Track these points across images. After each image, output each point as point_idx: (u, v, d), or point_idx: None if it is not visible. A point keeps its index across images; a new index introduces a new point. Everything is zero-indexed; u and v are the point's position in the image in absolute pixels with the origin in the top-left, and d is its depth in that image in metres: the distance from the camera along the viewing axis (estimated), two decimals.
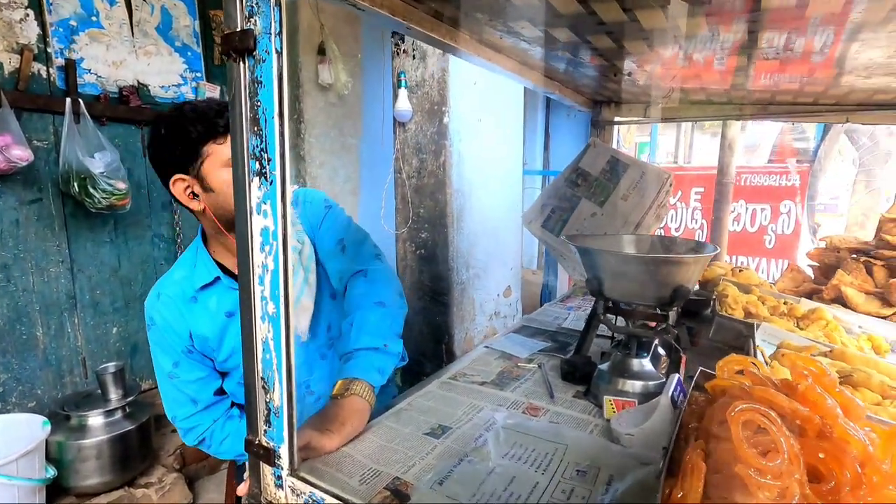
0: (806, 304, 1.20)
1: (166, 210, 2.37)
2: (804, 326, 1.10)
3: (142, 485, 2.03)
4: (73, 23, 1.99)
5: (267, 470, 0.73)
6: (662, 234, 3.32)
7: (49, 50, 1.93)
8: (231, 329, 1.12)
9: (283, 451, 0.71)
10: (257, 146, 0.64)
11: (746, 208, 3.11)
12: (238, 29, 0.63)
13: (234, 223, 1.04)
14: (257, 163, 0.65)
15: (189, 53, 2.40)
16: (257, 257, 0.68)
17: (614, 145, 2.24)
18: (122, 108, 2.14)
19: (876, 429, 0.55)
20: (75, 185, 1.87)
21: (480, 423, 0.92)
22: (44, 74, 1.93)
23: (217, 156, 1.02)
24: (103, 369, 1.94)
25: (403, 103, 2.42)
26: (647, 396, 0.96)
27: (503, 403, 1.03)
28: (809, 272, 1.69)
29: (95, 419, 1.88)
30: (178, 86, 2.37)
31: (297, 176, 2.76)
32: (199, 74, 2.45)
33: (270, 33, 0.61)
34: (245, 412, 1.15)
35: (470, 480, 0.67)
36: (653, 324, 1.09)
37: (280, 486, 0.73)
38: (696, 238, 3.36)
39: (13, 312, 1.91)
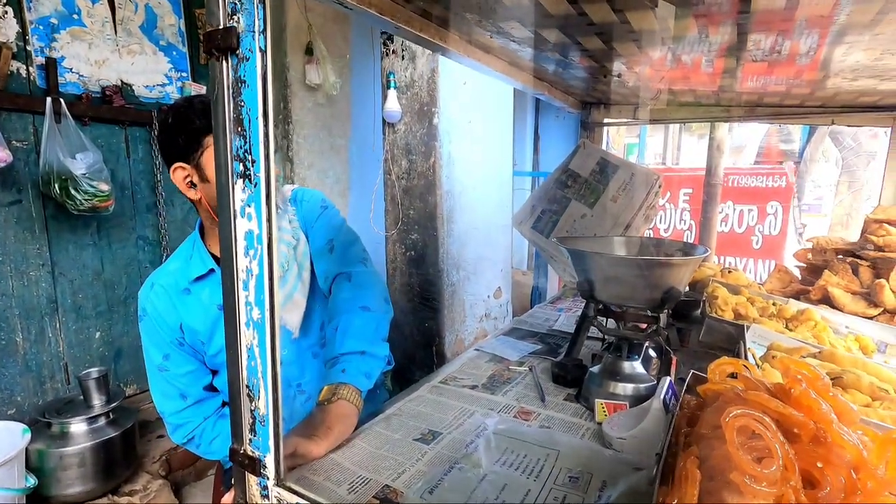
0: (795, 305, 1.21)
1: (151, 212, 2.33)
2: (793, 327, 1.10)
3: (126, 492, 1.99)
4: (53, 20, 1.95)
5: (252, 480, 0.71)
6: (652, 235, 3.34)
7: (29, 48, 1.88)
8: (222, 323, 1.10)
9: (269, 460, 0.69)
10: (241, 147, 0.63)
11: (734, 209, 3.14)
12: (220, 26, 0.61)
13: None
14: (241, 164, 0.63)
15: (174, 53, 2.37)
16: (241, 261, 0.66)
17: (604, 146, 2.25)
18: (105, 108, 2.09)
19: (868, 432, 0.54)
20: (56, 186, 1.83)
21: (471, 428, 0.91)
22: (23, 73, 1.88)
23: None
24: (86, 375, 1.90)
25: (393, 104, 2.40)
26: (638, 399, 0.96)
27: (494, 408, 1.02)
28: (797, 273, 1.70)
29: (78, 426, 1.84)
30: (163, 85, 2.33)
31: (286, 177, 2.73)
32: (184, 74, 2.41)
33: (254, 31, 0.59)
34: (230, 420, 1.13)
35: (461, 488, 0.66)
36: (643, 326, 1.08)
37: (266, 497, 0.71)
38: (685, 239, 3.38)
39: None
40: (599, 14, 0.87)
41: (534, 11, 0.88)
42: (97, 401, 1.91)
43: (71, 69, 2.01)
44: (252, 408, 0.69)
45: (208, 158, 1.02)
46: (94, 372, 1.91)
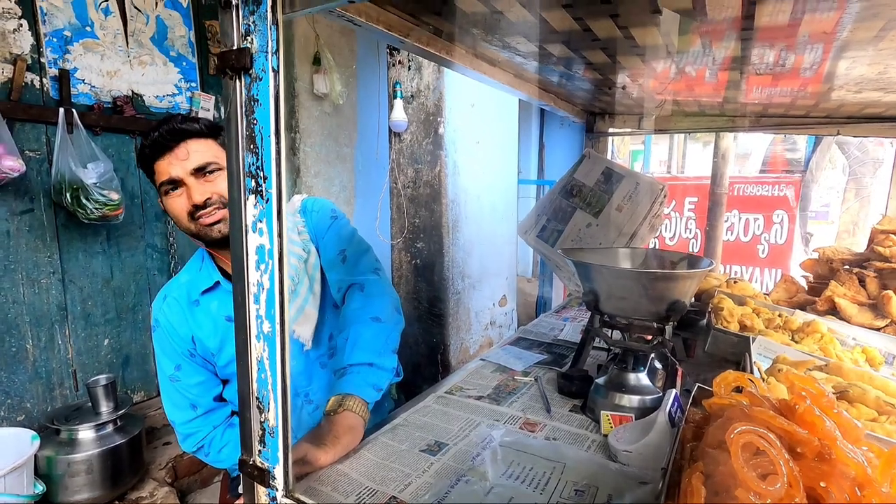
0: (801, 317, 1.21)
1: (160, 220, 2.35)
2: (799, 339, 1.10)
3: (133, 499, 2.00)
4: (67, 33, 1.99)
5: (261, 491, 0.72)
6: (657, 245, 3.34)
7: (42, 60, 1.92)
8: (230, 336, 1.11)
9: (278, 471, 0.70)
10: (253, 164, 0.64)
11: (740, 218, 3.13)
12: (234, 47, 0.63)
13: (198, 237, 1.06)
14: (253, 181, 0.64)
15: (184, 63, 2.40)
16: (252, 275, 0.67)
17: (609, 154, 2.26)
18: (116, 118, 2.13)
19: (874, 448, 0.55)
20: (68, 195, 1.86)
21: (477, 439, 0.91)
22: (37, 84, 1.91)
23: (158, 175, 1.03)
24: (94, 382, 1.91)
25: (399, 114, 2.42)
26: (644, 411, 0.96)
27: (500, 419, 1.03)
28: (803, 283, 1.70)
29: (86, 433, 1.85)
30: (173, 95, 2.37)
31: (292, 185, 2.75)
32: (193, 84, 2.44)
33: (267, 52, 0.61)
34: (240, 431, 1.14)
35: (468, 501, 0.66)
36: (648, 336, 1.09)
37: None
38: (690, 247, 3.38)
39: (2, 324, 1.88)
40: (604, 30, 0.89)
41: (539, 27, 0.90)
42: (105, 408, 1.93)
43: (83, 80, 2.05)
44: (262, 419, 0.70)
45: (159, 187, 1.04)
46: (102, 379, 1.93)
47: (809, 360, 0.91)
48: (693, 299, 1.60)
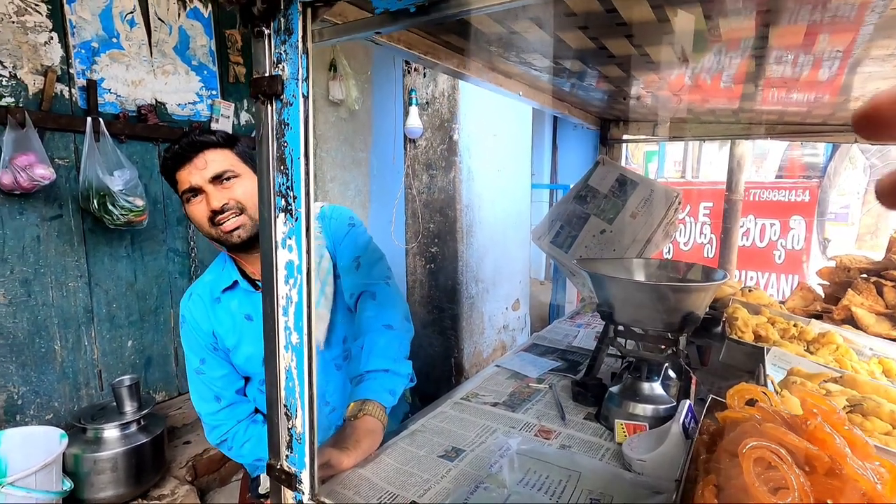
0: (816, 327, 1.21)
1: (181, 225, 2.42)
2: (814, 350, 1.11)
3: (155, 497, 2.05)
4: (94, 44, 2.05)
5: (288, 494, 0.76)
6: (671, 249, 3.32)
7: (71, 71, 1.99)
8: (247, 333, 1.18)
9: (305, 476, 0.73)
10: (283, 184, 0.67)
11: (755, 223, 3.11)
12: (266, 74, 0.66)
13: (219, 242, 1.12)
14: (283, 200, 0.68)
15: (205, 72, 2.46)
16: (282, 289, 0.70)
17: (623, 158, 2.26)
18: (140, 127, 2.19)
19: (886, 463, 0.56)
20: (95, 202, 1.92)
21: (494, 446, 0.94)
22: (66, 95, 1.98)
23: (180, 184, 1.09)
24: (119, 382, 1.97)
25: (414, 120, 2.45)
26: (658, 420, 0.98)
27: (515, 426, 1.05)
28: (819, 291, 1.69)
29: (111, 432, 1.91)
30: (195, 103, 2.43)
31: None
32: (214, 92, 2.50)
33: (298, 79, 0.64)
34: (267, 436, 1.18)
35: None
36: (663, 346, 1.10)
37: None
38: (705, 253, 3.36)
39: (33, 326, 1.95)
40: (619, 48, 0.91)
41: (555, 45, 0.92)
42: (129, 407, 1.98)
43: (109, 90, 2.11)
44: (289, 426, 0.73)
45: (182, 196, 1.10)
46: (126, 379, 1.99)
47: (824, 373, 0.92)
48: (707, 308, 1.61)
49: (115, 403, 1.99)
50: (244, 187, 1.09)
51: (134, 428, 1.97)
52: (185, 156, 1.06)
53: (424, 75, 2.46)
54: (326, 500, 0.75)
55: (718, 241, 3.16)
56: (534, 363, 1.42)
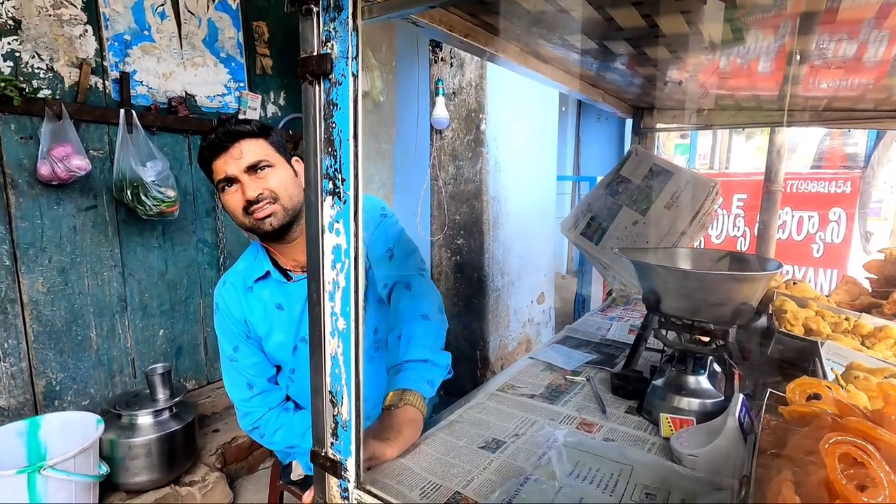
0: (870, 321, 1.16)
1: (210, 216, 2.44)
2: (870, 345, 1.06)
3: (186, 483, 2.09)
4: (127, 37, 2.08)
5: (333, 482, 0.75)
6: (702, 243, 3.23)
7: (105, 63, 2.01)
8: (278, 323, 1.18)
9: (350, 463, 0.72)
10: (331, 166, 0.66)
11: (792, 216, 3.00)
12: (315, 53, 0.64)
13: (252, 231, 1.11)
14: (331, 182, 0.66)
15: (233, 64, 2.47)
16: (328, 274, 0.69)
17: (655, 149, 2.20)
18: (171, 119, 2.21)
19: None
20: (128, 192, 1.95)
21: (536, 438, 0.92)
22: (100, 87, 2.01)
23: (215, 174, 1.10)
24: (152, 370, 2.00)
25: (441, 111, 2.43)
26: (705, 415, 0.94)
27: (555, 418, 1.03)
28: (866, 284, 1.62)
29: (145, 418, 1.94)
30: (223, 95, 2.44)
31: None
32: (241, 84, 2.51)
33: (347, 57, 0.62)
34: (308, 416, 1.18)
35: (539, 500, 0.67)
36: (705, 339, 1.06)
37: (346, 498, 0.74)
38: (739, 246, 3.26)
39: (70, 314, 1.99)
40: (672, 26, 0.87)
41: (603, 25, 0.88)
42: (161, 395, 2.02)
43: (141, 82, 2.14)
44: (335, 413, 0.72)
45: (217, 184, 1.10)
46: (159, 367, 2.02)
47: (887, 368, 0.87)
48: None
49: (147, 391, 2.03)
50: (278, 177, 1.10)
51: (166, 415, 2.00)
52: (222, 145, 1.06)
53: (451, 65, 2.43)
54: (371, 488, 0.74)
55: (752, 233, 3.07)
56: (568, 356, 1.40)
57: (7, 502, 1.49)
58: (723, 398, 0.98)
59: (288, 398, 1.26)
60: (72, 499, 1.64)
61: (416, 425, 0.93)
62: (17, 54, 1.78)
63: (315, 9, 0.63)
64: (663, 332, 1.06)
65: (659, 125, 2.03)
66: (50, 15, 1.84)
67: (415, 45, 2.93)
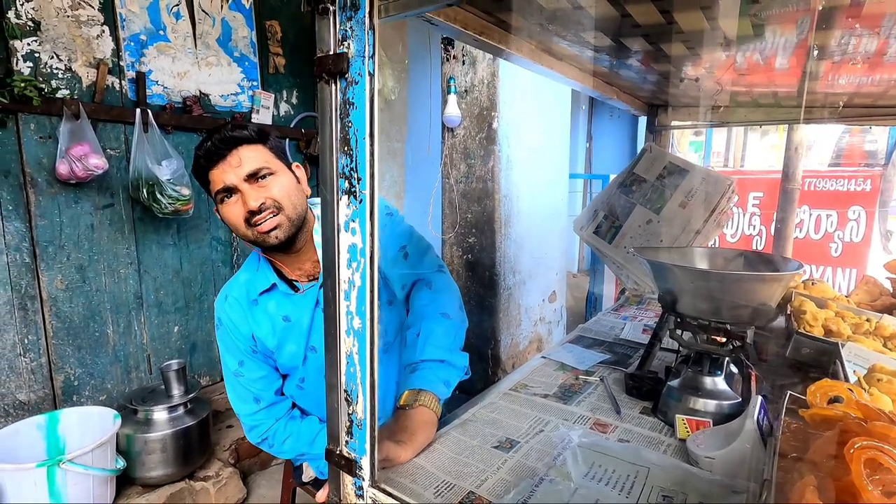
0: (892, 322, 1.13)
1: None
2: (893, 346, 1.04)
3: (201, 478, 2.11)
4: (143, 37, 2.10)
5: (347, 480, 0.75)
6: (717, 242, 3.20)
7: (122, 63, 2.04)
8: (287, 334, 1.15)
9: (365, 462, 0.72)
10: (347, 165, 0.66)
11: (810, 214, 2.95)
12: (331, 52, 0.64)
13: (255, 244, 1.07)
14: (346, 182, 0.66)
15: (246, 63, 2.49)
16: (344, 273, 0.69)
17: (669, 147, 2.18)
18: (186, 118, 2.24)
19: None
20: (144, 191, 1.97)
21: (550, 438, 0.91)
22: (117, 87, 2.04)
23: (213, 184, 1.03)
24: (167, 366, 2.03)
25: (453, 109, 2.42)
26: (722, 417, 0.93)
27: (569, 418, 1.02)
28: (887, 284, 1.59)
29: (160, 414, 1.97)
30: (236, 94, 2.46)
31: None
32: (255, 83, 2.53)
33: (364, 56, 0.62)
34: (315, 423, 1.18)
35: (554, 501, 0.67)
36: (721, 339, 1.05)
37: (360, 496, 0.74)
38: (755, 245, 3.21)
39: (88, 311, 2.03)
40: (690, 22, 0.85)
41: (621, 22, 0.87)
42: (177, 391, 2.04)
43: (157, 82, 2.16)
44: (350, 411, 0.72)
45: (214, 196, 1.05)
46: (174, 364, 2.04)
47: None
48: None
49: (163, 387, 2.05)
50: (281, 185, 1.03)
51: (181, 411, 2.03)
52: (219, 153, 0.99)
53: (463, 63, 2.42)
54: (386, 487, 0.74)
55: (768, 232, 3.02)
56: (581, 355, 1.39)
57: (27, 495, 1.52)
58: (740, 400, 0.96)
59: (294, 406, 1.24)
60: (89, 492, 1.66)
61: (431, 427, 0.93)
62: (37, 55, 1.80)
63: (332, 8, 0.63)
64: (679, 332, 1.05)
65: (674, 123, 2.01)
66: (68, 16, 1.87)
67: (427, 43, 2.93)
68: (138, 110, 2.01)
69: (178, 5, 2.21)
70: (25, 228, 1.83)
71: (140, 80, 2.07)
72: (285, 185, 1.04)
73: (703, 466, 0.80)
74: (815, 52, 1.00)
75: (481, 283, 2.53)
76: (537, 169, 2.74)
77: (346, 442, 0.73)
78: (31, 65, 1.79)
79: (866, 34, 0.87)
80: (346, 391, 0.72)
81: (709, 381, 0.99)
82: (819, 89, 1.40)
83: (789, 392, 0.77)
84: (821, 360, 1.04)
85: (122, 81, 2.05)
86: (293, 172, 1.09)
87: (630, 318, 1.76)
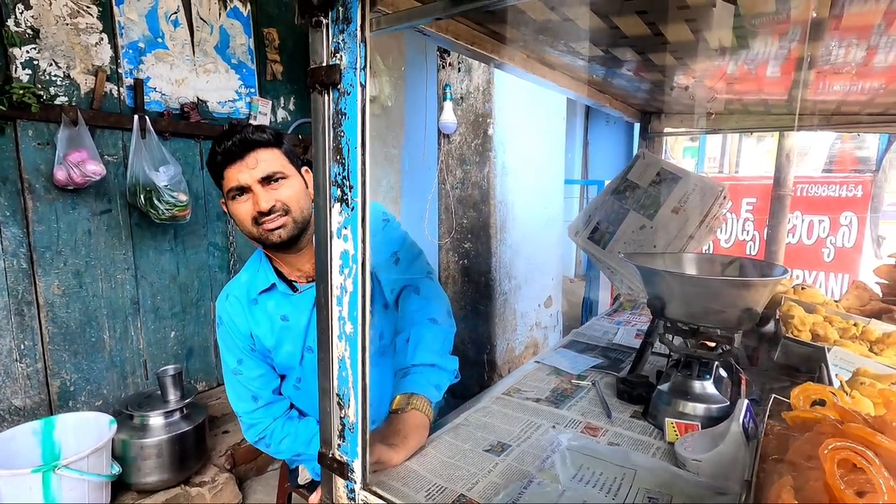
0: (879, 327, 1.15)
1: (221, 220, 2.48)
2: (879, 351, 1.05)
3: (196, 483, 2.11)
4: (141, 45, 2.12)
5: (340, 483, 0.76)
6: (711, 247, 3.22)
7: (120, 70, 2.06)
8: (285, 333, 1.17)
9: (357, 465, 0.73)
10: (339, 174, 0.68)
11: (802, 220, 2.97)
12: (324, 64, 0.66)
13: (259, 242, 1.10)
14: (339, 190, 0.68)
15: (244, 70, 2.51)
16: (336, 279, 0.71)
17: (663, 153, 2.20)
18: (183, 124, 2.25)
19: None
20: (142, 197, 1.98)
21: (540, 441, 0.92)
22: (115, 93, 2.05)
23: (227, 181, 1.07)
24: (163, 372, 2.03)
25: (448, 115, 2.45)
26: (711, 420, 0.95)
27: (560, 422, 1.03)
28: (876, 289, 1.61)
29: (156, 419, 1.97)
30: (234, 101, 2.48)
31: None
32: (252, 90, 2.55)
33: (356, 68, 0.64)
34: (313, 424, 1.19)
35: (541, 502, 0.68)
36: (712, 344, 1.06)
37: (352, 499, 0.75)
38: (748, 250, 3.24)
39: (84, 316, 2.03)
40: (676, 34, 0.87)
41: (609, 34, 0.89)
42: (173, 396, 2.04)
43: (155, 88, 2.18)
44: (342, 415, 0.73)
45: (226, 193, 1.08)
46: (170, 369, 2.05)
47: (894, 374, 0.87)
48: None
49: (159, 392, 2.06)
50: (291, 189, 1.08)
51: (177, 416, 2.03)
52: (237, 153, 1.04)
53: (459, 70, 2.45)
54: (377, 490, 0.75)
55: (762, 238, 3.04)
56: (574, 360, 1.40)
57: (22, 501, 1.52)
58: (728, 403, 0.98)
59: (292, 406, 1.26)
60: (85, 498, 1.66)
61: (423, 431, 0.94)
62: (36, 62, 1.82)
63: (325, 21, 0.65)
64: (669, 337, 1.07)
65: (667, 129, 2.03)
66: (67, 24, 1.89)
67: (423, 51, 2.96)
68: (136, 117, 2.03)
69: (176, 13, 2.23)
70: (23, 234, 1.84)
71: (138, 87, 2.09)
72: (295, 189, 1.08)
73: (691, 469, 0.81)
74: (806, 62, 1.02)
75: (477, 288, 2.54)
76: (533, 175, 2.76)
77: (339, 445, 0.75)
78: (29, 72, 1.81)
79: (850, 44, 0.89)
80: (338, 395, 0.73)
81: (698, 385, 1.01)
82: (808, 97, 1.43)
83: (774, 395, 0.78)
84: (808, 364, 1.06)
85: (121, 88, 2.07)
86: (303, 176, 1.13)
87: (623, 323, 1.78)
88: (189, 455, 2.04)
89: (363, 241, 0.67)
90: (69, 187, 1.88)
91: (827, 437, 0.52)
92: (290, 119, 2.75)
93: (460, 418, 1.06)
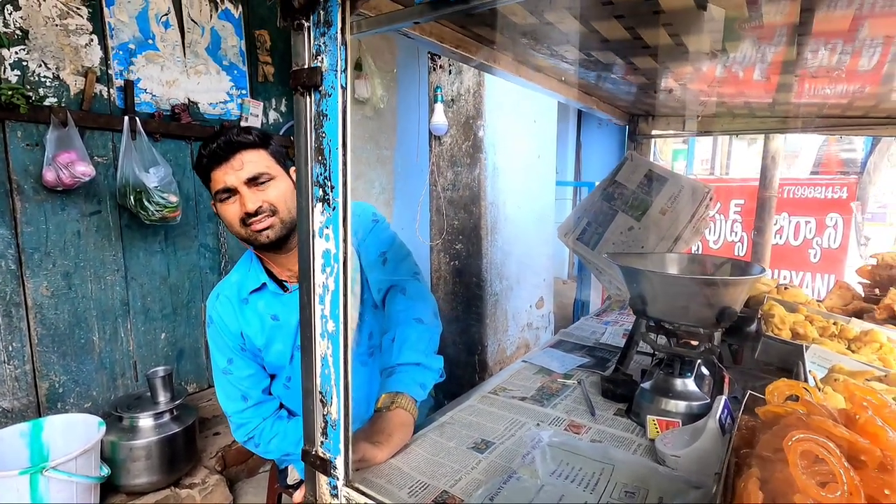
0: (857, 325, 1.17)
1: (212, 221, 2.48)
2: (856, 349, 1.07)
3: (186, 485, 2.11)
4: (131, 46, 2.12)
5: (322, 480, 0.77)
6: (700, 248, 3.26)
7: (110, 72, 2.06)
8: (275, 333, 1.18)
9: (339, 462, 0.74)
10: (321, 174, 0.69)
11: (790, 221, 3.01)
12: (306, 66, 0.67)
13: (248, 242, 1.11)
14: (321, 190, 0.69)
15: (235, 71, 2.52)
16: (318, 277, 0.72)
17: (651, 155, 2.23)
18: (174, 125, 2.25)
19: None
20: (132, 198, 1.98)
21: (524, 439, 0.94)
22: (105, 95, 2.05)
23: (214, 183, 1.09)
24: (153, 373, 2.03)
25: (439, 117, 2.46)
26: (691, 417, 0.96)
27: (544, 420, 1.04)
28: (859, 289, 1.63)
29: (146, 421, 1.97)
30: (225, 102, 2.48)
31: None
32: (244, 91, 2.56)
33: (336, 70, 0.65)
34: (302, 423, 1.20)
35: (520, 498, 0.69)
36: (695, 342, 1.08)
37: (335, 496, 0.76)
38: (736, 251, 3.27)
39: (73, 318, 2.03)
40: (654, 38, 0.89)
41: (588, 36, 0.91)
42: (163, 398, 2.04)
43: (145, 90, 2.18)
44: (324, 412, 0.74)
45: (214, 194, 1.10)
46: (160, 371, 2.04)
47: (868, 371, 0.89)
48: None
49: (149, 394, 2.05)
50: (278, 190, 1.08)
51: (167, 418, 2.03)
52: (222, 155, 1.05)
53: (450, 72, 2.47)
54: (360, 486, 0.76)
55: (750, 239, 3.08)
56: (561, 359, 1.41)
57: (10, 503, 1.52)
58: (708, 400, 0.99)
59: (281, 406, 1.27)
60: (73, 500, 1.66)
61: (407, 429, 0.95)
62: (25, 63, 1.82)
63: (306, 24, 0.66)
64: (651, 335, 1.08)
65: (654, 131, 2.06)
66: (56, 25, 1.89)
67: (415, 53, 2.97)
68: (126, 118, 2.03)
69: (167, 14, 2.23)
70: (11, 235, 1.83)
71: (128, 89, 2.09)
72: (282, 190, 1.09)
73: (670, 464, 0.82)
74: (789, 66, 1.04)
75: (468, 289, 2.56)
76: (524, 176, 2.78)
77: (322, 442, 0.75)
78: (18, 73, 1.80)
79: (828, 48, 0.91)
80: (321, 393, 0.74)
81: (679, 383, 1.02)
82: (791, 100, 1.45)
83: (749, 392, 0.80)
84: (787, 362, 1.08)
85: (111, 90, 2.07)
86: (290, 177, 1.14)
87: (611, 322, 1.80)
88: (179, 457, 2.03)
89: (344, 240, 0.68)
90: (58, 188, 1.87)
91: (792, 430, 0.53)
92: (281, 120, 2.76)
93: (446, 417, 1.07)
